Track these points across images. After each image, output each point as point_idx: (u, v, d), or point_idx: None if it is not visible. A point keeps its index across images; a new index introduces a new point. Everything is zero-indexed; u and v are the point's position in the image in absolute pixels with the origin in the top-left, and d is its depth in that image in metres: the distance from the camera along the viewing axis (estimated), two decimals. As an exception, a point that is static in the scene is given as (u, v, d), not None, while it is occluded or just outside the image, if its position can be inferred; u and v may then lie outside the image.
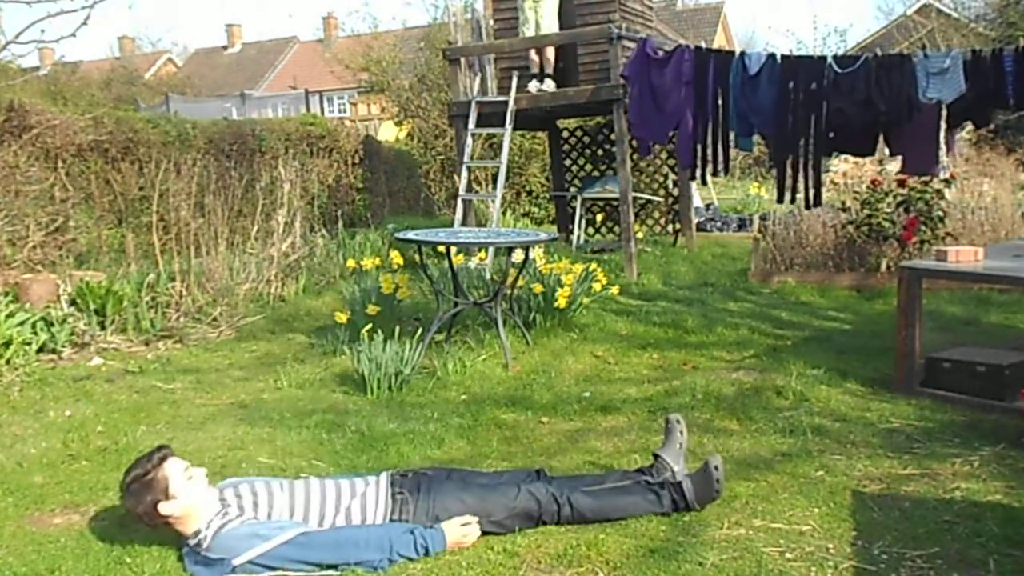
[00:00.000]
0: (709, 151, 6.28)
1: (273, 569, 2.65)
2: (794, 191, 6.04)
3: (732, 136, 6.21)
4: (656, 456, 3.14)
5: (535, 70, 8.36)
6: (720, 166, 6.37)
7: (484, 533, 2.83)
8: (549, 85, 8.31)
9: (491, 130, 8.39)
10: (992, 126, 11.35)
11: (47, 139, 7.68)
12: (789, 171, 6.01)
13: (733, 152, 6.45)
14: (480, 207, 9.78)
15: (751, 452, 3.55)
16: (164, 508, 2.71)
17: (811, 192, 6.01)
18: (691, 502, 2.96)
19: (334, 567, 2.66)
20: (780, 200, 6.20)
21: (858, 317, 6.03)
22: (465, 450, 3.70)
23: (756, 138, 6.51)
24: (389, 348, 4.61)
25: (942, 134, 5.53)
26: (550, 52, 8.37)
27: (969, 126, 6.34)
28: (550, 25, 8.32)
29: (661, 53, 6.29)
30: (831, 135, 5.79)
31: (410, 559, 2.69)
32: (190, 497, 2.74)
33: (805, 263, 7.39)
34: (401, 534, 2.73)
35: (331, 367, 5.12)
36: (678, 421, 3.20)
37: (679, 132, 6.27)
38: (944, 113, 5.50)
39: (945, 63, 5.31)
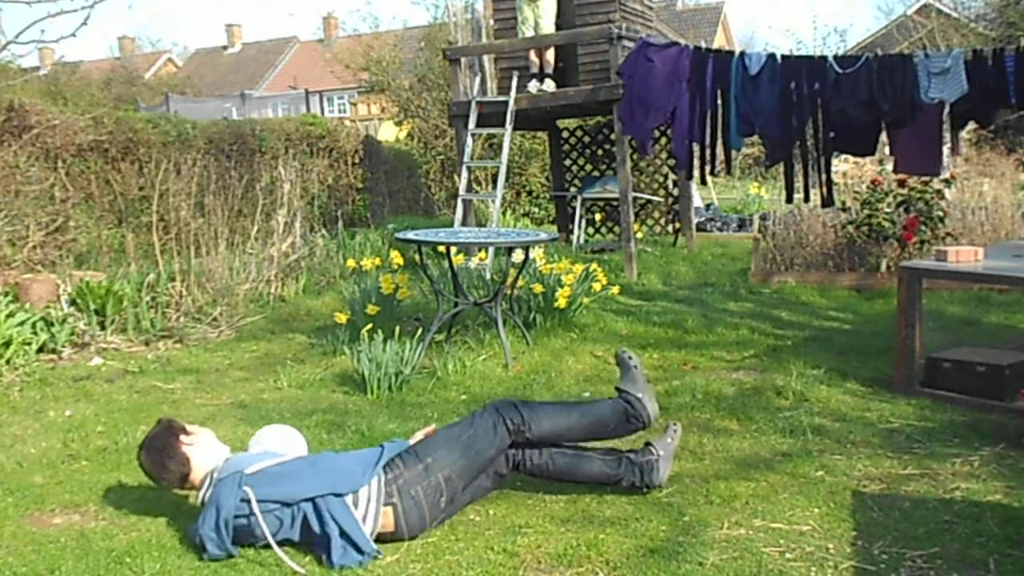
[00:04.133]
0: (708, 151, 6.26)
1: (252, 515, 2.73)
2: (806, 190, 6.03)
3: (729, 136, 6.19)
4: (620, 389, 3.23)
5: (535, 70, 8.35)
6: (720, 166, 6.36)
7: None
8: (549, 85, 8.31)
9: (491, 130, 8.39)
10: (993, 126, 11.35)
11: (47, 139, 7.69)
12: (798, 168, 6.00)
13: (734, 152, 6.42)
14: (480, 207, 9.78)
15: (751, 452, 3.55)
16: (185, 440, 2.95)
17: (824, 190, 6.00)
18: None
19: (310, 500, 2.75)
20: (789, 200, 6.19)
21: (858, 317, 6.03)
22: (465, 450, 3.69)
23: (749, 137, 6.48)
24: (389, 348, 4.61)
25: (946, 134, 5.52)
26: (550, 52, 8.37)
27: (971, 125, 6.32)
28: (548, 25, 8.31)
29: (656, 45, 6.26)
30: (832, 135, 5.79)
31: None
32: (204, 435, 3.03)
33: (805, 263, 7.39)
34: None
35: (331, 367, 5.12)
36: (629, 357, 3.31)
37: (673, 131, 6.25)
38: (947, 113, 5.50)
39: (946, 63, 5.30)
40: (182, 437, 2.95)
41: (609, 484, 3.13)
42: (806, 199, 6.08)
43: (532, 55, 8.36)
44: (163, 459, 2.92)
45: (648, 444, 3.21)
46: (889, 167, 9.02)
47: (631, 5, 8.71)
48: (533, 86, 8.27)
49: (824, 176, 5.93)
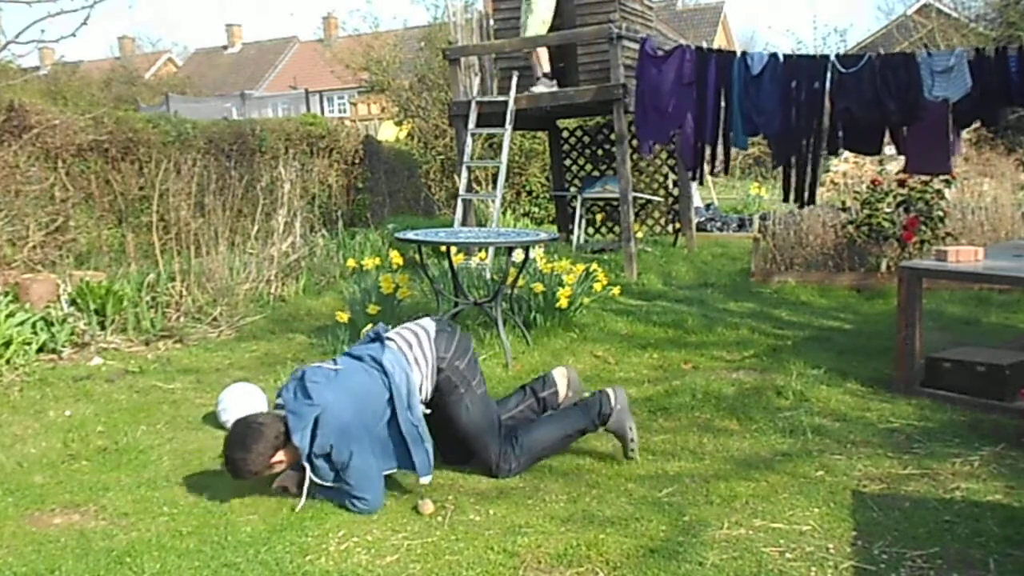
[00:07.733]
0: (709, 151, 6.27)
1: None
2: (799, 191, 6.03)
3: (732, 135, 6.20)
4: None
5: (538, 73, 8.24)
6: (720, 166, 6.37)
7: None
8: (547, 85, 8.23)
9: (491, 130, 8.38)
10: (997, 126, 11.33)
11: (47, 139, 7.68)
12: (794, 170, 6.00)
13: (733, 151, 6.43)
14: (480, 207, 9.78)
15: (751, 452, 3.55)
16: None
17: (805, 191, 6.00)
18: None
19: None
20: (786, 199, 6.20)
21: (858, 317, 6.03)
22: (465, 450, 3.69)
23: (753, 137, 6.49)
24: (389, 348, 4.60)
25: (951, 133, 5.52)
26: (543, 53, 8.25)
27: (974, 124, 6.34)
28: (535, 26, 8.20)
29: (660, 53, 6.27)
30: (840, 134, 5.79)
31: None
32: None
33: (805, 263, 7.39)
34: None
35: (331, 367, 5.11)
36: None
37: (681, 134, 6.26)
38: (951, 112, 5.49)
39: (950, 61, 5.30)
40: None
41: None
42: (797, 199, 6.08)
43: (534, 58, 8.26)
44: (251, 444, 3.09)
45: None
46: (889, 167, 9.03)
47: (631, 5, 8.70)
48: (544, 85, 8.16)
49: (810, 176, 5.94)
